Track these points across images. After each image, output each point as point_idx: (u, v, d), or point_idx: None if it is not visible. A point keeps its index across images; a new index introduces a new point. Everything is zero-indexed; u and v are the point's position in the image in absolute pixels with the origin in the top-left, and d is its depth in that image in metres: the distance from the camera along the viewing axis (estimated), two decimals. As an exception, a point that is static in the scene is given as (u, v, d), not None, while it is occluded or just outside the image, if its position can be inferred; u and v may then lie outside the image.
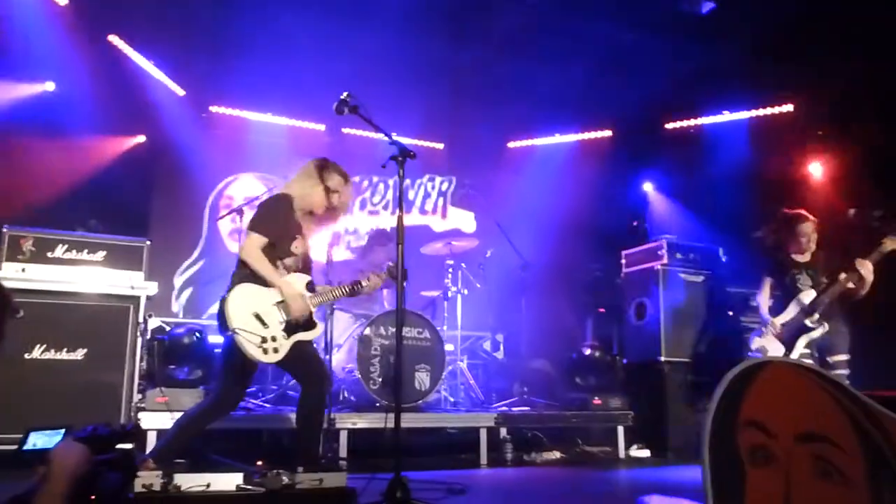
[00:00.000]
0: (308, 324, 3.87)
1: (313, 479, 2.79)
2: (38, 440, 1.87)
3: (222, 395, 3.91)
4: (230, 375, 3.87)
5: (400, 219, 3.23)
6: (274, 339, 3.71)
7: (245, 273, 3.82)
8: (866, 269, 5.02)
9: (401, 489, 2.83)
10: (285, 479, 2.76)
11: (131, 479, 1.75)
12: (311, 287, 3.97)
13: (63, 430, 1.89)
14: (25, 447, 1.86)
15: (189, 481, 2.67)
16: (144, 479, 2.50)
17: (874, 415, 1.78)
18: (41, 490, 1.65)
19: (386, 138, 3.46)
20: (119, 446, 2.16)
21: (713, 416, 1.63)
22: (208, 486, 2.69)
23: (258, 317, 3.70)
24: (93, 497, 1.68)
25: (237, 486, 2.72)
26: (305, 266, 4.03)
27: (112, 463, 1.80)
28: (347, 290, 4.08)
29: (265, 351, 3.68)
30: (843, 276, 5.11)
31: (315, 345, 4.13)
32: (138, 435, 2.35)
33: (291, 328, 3.79)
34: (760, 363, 1.78)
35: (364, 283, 4.05)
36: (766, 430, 1.66)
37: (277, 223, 3.85)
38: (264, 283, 3.78)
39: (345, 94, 3.51)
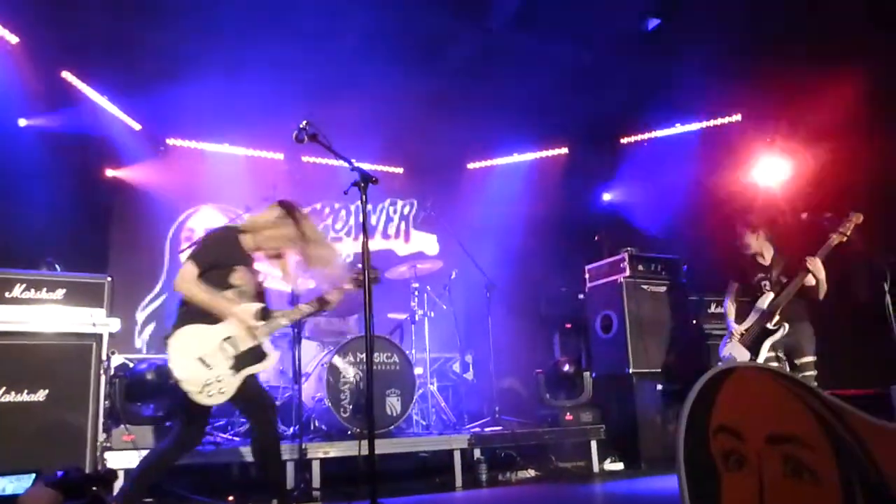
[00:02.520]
0: (258, 355, 3.78)
1: (288, 510, 2.75)
2: (9, 485, 1.81)
3: (181, 435, 3.82)
4: (184, 416, 3.80)
5: (364, 244, 3.22)
6: (219, 379, 3.62)
7: (186, 310, 3.72)
8: (815, 266, 5.16)
9: (376, 514, 2.80)
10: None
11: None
12: (264, 315, 3.88)
13: (34, 475, 1.83)
14: (-5, 494, 1.80)
15: (161, 520, 2.62)
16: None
17: (838, 411, 1.81)
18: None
19: (347, 165, 3.45)
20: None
21: (686, 426, 1.65)
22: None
23: (202, 360, 3.62)
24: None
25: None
26: (259, 298, 3.94)
27: (82, 505, 1.75)
28: (314, 306, 3.95)
29: (209, 395, 3.61)
30: (799, 274, 5.24)
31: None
32: (110, 479, 2.28)
33: (240, 363, 3.70)
34: (727, 370, 1.80)
35: (329, 298, 3.93)
36: (738, 435, 1.68)
37: (212, 254, 3.77)
38: (207, 319, 3.68)
39: (304, 122, 3.50)
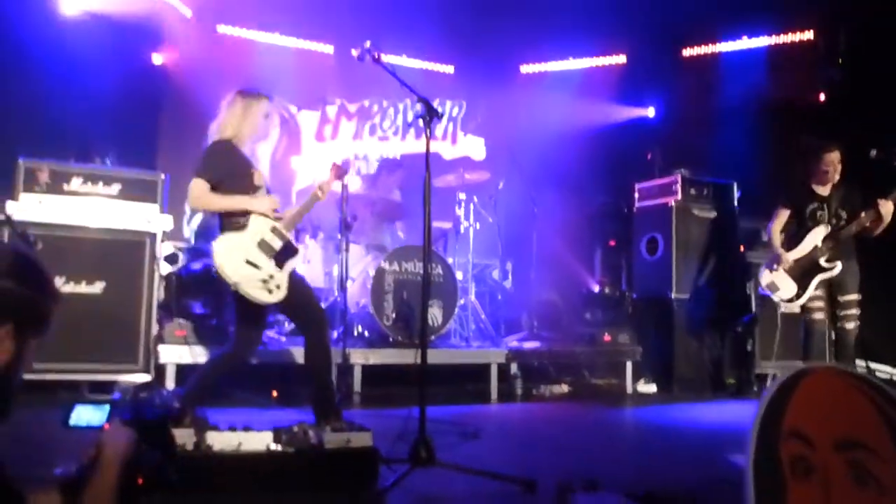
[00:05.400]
0: (291, 250, 3.87)
1: (341, 438, 2.85)
2: (84, 414, 1.89)
3: (240, 341, 3.95)
4: (243, 322, 3.91)
5: (427, 180, 3.17)
6: (272, 276, 3.73)
7: (217, 223, 3.84)
8: (887, 209, 4.96)
9: (425, 448, 2.89)
10: (313, 440, 2.81)
11: (173, 459, 1.78)
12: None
13: (108, 407, 1.90)
14: (71, 422, 1.88)
15: (220, 441, 2.73)
16: (177, 438, 2.56)
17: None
18: (93, 477, 1.68)
19: (411, 92, 3.34)
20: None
21: (758, 428, 1.64)
22: (239, 445, 2.75)
23: (249, 262, 3.71)
24: (140, 481, 1.71)
25: (267, 446, 2.78)
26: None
27: (154, 443, 1.83)
28: (308, 205, 4.00)
29: (270, 291, 3.71)
30: (863, 214, 5.05)
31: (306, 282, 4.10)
32: (181, 418, 2.37)
33: (280, 259, 3.79)
34: (804, 370, 1.77)
35: (319, 194, 3.98)
36: (807, 440, 1.67)
37: (220, 164, 3.79)
38: (234, 227, 3.76)
39: (367, 42, 3.37)
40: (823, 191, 5.30)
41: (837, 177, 5.25)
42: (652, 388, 6.47)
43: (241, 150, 3.90)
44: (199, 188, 3.71)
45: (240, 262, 3.70)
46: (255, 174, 3.91)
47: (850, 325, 5.16)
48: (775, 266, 5.34)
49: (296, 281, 3.92)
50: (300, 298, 3.92)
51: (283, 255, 3.82)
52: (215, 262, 3.72)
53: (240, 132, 3.88)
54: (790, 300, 5.26)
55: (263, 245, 3.77)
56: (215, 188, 3.74)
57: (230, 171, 3.80)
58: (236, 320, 3.96)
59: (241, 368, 4.26)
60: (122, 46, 6.79)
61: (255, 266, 3.72)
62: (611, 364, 6.59)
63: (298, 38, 8.47)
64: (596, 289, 7.11)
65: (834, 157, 5.23)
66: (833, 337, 5.21)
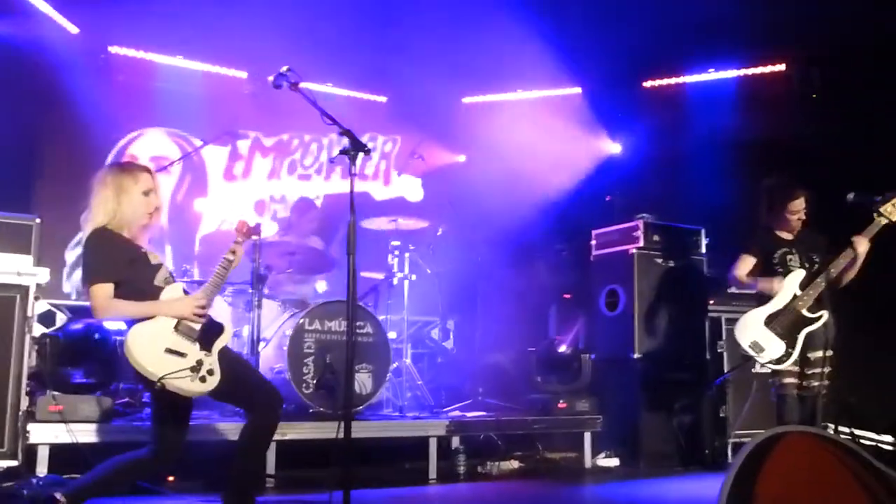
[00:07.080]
0: (216, 328, 3.82)
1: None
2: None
3: (163, 445, 3.83)
4: (167, 423, 3.82)
5: (352, 225, 3.18)
6: (200, 362, 3.65)
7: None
8: (864, 247, 5.14)
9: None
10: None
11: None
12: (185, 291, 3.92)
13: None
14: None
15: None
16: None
17: (891, 485, 1.83)
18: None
19: (334, 123, 3.36)
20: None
21: (727, 499, 1.66)
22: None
23: (171, 351, 3.64)
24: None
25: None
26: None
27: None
28: (221, 274, 3.94)
29: (202, 379, 3.63)
30: (843, 254, 5.19)
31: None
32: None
33: (206, 342, 3.73)
34: (777, 435, 1.81)
35: (231, 258, 3.94)
36: (784, 515, 1.69)
37: (110, 259, 3.71)
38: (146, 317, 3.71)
39: (285, 67, 3.40)
40: (788, 236, 5.49)
41: (800, 223, 5.47)
42: (614, 462, 6.48)
43: (121, 236, 3.79)
44: (101, 296, 3.61)
45: (160, 353, 3.61)
46: (149, 254, 3.86)
47: (816, 384, 5.28)
48: (748, 321, 5.40)
49: (230, 360, 3.85)
50: (239, 379, 3.86)
51: (207, 334, 3.76)
52: (132, 360, 3.58)
53: (116, 216, 3.76)
54: (780, 360, 5.26)
55: (182, 328, 3.71)
56: (118, 287, 3.66)
57: (122, 262, 3.71)
58: (157, 421, 3.85)
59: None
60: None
61: (179, 354, 3.63)
62: (567, 435, 6.60)
63: (206, 63, 8.46)
64: (562, 349, 7.16)
65: (799, 203, 5.44)
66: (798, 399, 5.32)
